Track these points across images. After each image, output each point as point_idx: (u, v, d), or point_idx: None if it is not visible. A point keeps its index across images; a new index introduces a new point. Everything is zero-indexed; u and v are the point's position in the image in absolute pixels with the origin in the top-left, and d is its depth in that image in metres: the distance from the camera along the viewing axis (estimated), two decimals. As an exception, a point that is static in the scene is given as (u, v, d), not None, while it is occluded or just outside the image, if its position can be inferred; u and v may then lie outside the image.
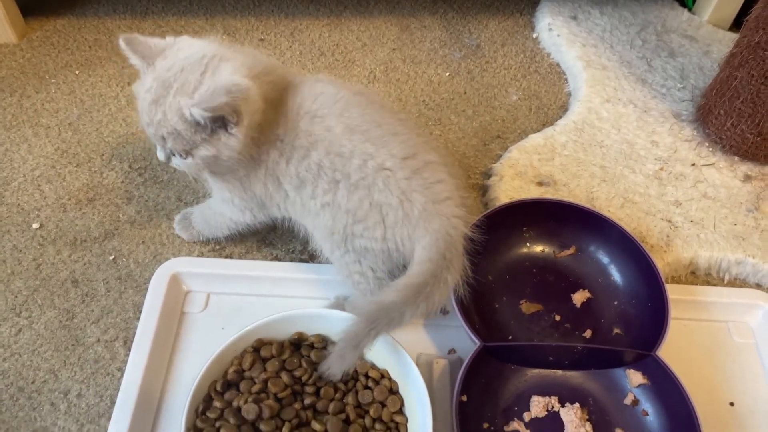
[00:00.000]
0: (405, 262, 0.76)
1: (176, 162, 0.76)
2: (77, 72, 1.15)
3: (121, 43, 0.73)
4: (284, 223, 0.85)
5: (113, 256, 0.91)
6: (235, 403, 0.67)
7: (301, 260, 0.92)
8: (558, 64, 1.25)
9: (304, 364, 0.72)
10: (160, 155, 0.77)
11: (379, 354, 0.74)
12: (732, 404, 0.82)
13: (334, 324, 0.75)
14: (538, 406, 0.77)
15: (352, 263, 0.78)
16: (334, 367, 0.66)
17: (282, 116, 0.74)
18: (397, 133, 0.75)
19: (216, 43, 0.75)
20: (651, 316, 0.81)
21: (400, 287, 0.69)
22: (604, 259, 0.88)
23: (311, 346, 0.74)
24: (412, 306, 0.68)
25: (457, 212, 0.75)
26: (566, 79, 1.22)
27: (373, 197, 0.73)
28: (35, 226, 0.94)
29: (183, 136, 0.71)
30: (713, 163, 1.04)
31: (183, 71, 0.70)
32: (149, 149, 1.04)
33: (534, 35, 1.30)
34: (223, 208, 0.85)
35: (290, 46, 1.23)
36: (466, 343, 0.80)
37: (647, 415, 0.77)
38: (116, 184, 1.00)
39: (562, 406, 0.77)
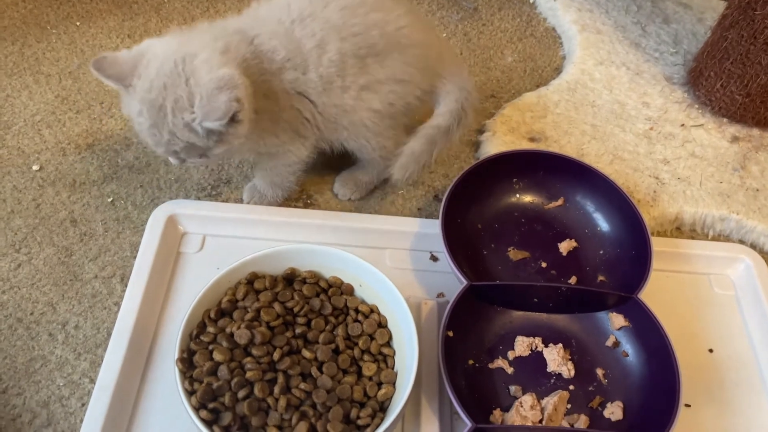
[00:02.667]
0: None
1: (192, 162, 0.78)
2: (78, 23, 1.17)
3: (92, 69, 0.72)
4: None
5: (111, 199, 0.93)
6: (228, 329, 0.69)
7: (295, 206, 0.94)
8: (554, 29, 1.26)
9: (296, 297, 0.74)
10: (174, 162, 0.79)
11: (370, 290, 0.77)
12: (711, 351, 0.85)
13: (327, 259, 0.77)
14: (522, 346, 0.79)
15: (392, 130, 0.86)
16: (397, 173, 0.85)
17: (278, 43, 0.77)
18: None
19: (176, 38, 0.75)
20: (635, 263, 0.84)
21: (446, 110, 0.86)
22: (591, 209, 0.90)
23: (303, 281, 0.76)
24: (463, 123, 0.88)
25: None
26: (561, 43, 1.24)
27: (406, 54, 0.81)
28: (35, 168, 0.96)
29: (197, 145, 0.73)
30: (702, 124, 1.06)
31: (166, 88, 0.70)
32: (148, 99, 1.06)
33: (531, 0, 1.31)
34: (280, 160, 0.86)
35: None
36: (455, 288, 0.82)
37: (627, 356, 0.79)
38: (115, 131, 1.01)
39: (546, 346, 0.80)
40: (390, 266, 0.88)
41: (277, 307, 0.72)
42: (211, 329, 0.69)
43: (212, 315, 0.71)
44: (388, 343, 0.74)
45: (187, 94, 0.70)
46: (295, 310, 0.73)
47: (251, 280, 0.75)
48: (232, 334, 0.69)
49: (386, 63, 0.80)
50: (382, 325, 0.75)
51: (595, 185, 0.89)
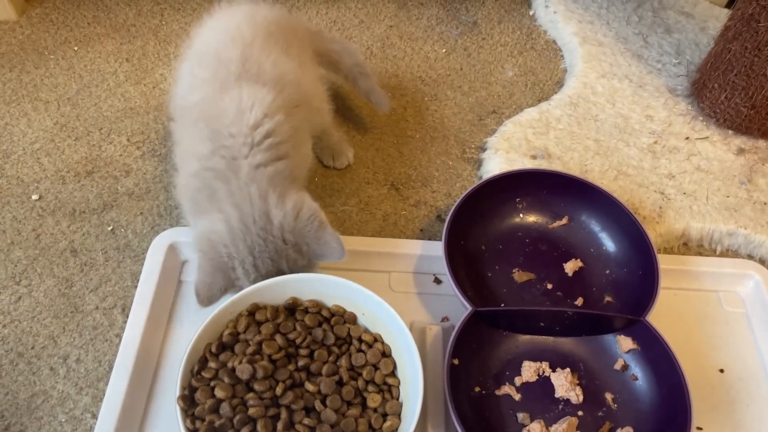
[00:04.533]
0: None
1: None
2: (76, 48, 1.16)
3: (206, 306, 0.72)
4: None
5: (111, 227, 0.93)
6: (229, 364, 0.68)
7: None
8: (554, 41, 1.25)
9: (298, 328, 0.73)
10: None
11: (373, 318, 0.75)
12: (722, 371, 0.83)
13: (329, 288, 0.76)
14: (529, 371, 0.78)
15: None
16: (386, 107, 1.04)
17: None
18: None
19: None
20: (642, 283, 0.82)
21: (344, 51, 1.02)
22: (596, 228, 0.89)
23: (305, 311, 0.75)
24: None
25: None
26: (562, 56, 1.22)
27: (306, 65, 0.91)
28: (34, 197, 0.95)
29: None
30: (707, 137, 1.05)
31: (273, 259, 0.72)
32: (147, 123, 1.05)
33: (531, 12, 1.30)
34: None
35: (287, 23, 1.24)
36: (459, 311, 0.81)
37: (636, 379, 0.78)
38: (114, 157, 1.01)
39: (553, 371, 0.78)
40: (393, 290, 0.87)
41: (279, 339, 0.71)
42: (212, 364, 0.68)
43: (213, 349, 0.70)
44: (393, 373, 0.73)
45: (293, 249, 0.73)
46: (298, 341, 0.72)
47: (252, 311, 0.74)
48: (233, 369, 0.68)
49: (304, 88, 0.83)
50: (386, 354, 0.74)
51: (600, 204, 0.88)
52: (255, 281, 0.73)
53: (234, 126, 0.74)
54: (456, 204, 0.85)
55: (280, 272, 0.73)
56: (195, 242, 0.74)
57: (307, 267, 0.75)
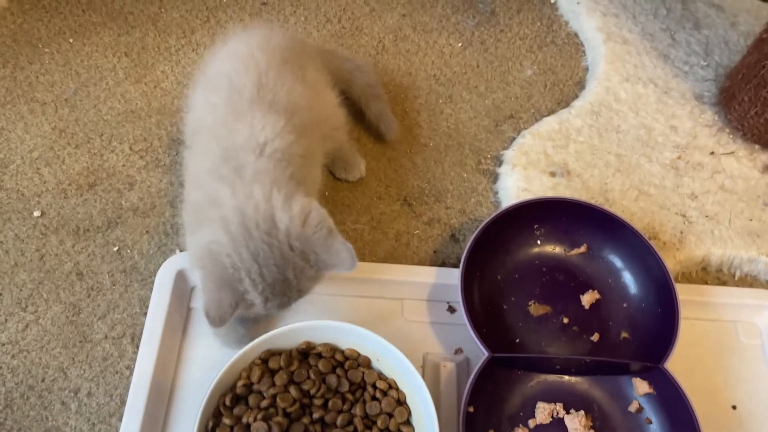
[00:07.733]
0: None
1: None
2: (71, 40, 1.10)
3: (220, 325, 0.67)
4: None
5: (117, 247, 0.90)
6: (244, 419, 0.68)
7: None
8: (576, 34, 1.19)
9: (312, 376, 0.72)
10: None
11: (386, 364, 0.74)
12: (734, 407, 0.83)
13: (343, 334, 0.75)
14: (543, 413, 0.78)
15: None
16: (390, 134, 1.01)
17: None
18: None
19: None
20: (660, 321, 0.81)
21: (358, 69, 1.01)
22: (615, 259, 0.87)
23: (319, 356, 0.74)
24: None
25: None
26: (584, 51, 1.16)
27: (322, 91, 0.88)
28: (36, 213, 0.92)
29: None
30: (733, 152, 1.01)
31: (279, 266, 0.67)
32: (149, 129, 1.01)
33: (552, 1, 1.23)
34: None
35: (294, 12, 1.17)
36: (473, 342, 0.80)
37: (651, 423, 0.77)
38: (117, 168, 0.97)
39: (567, 413, 0.78)
40: (406, 318, 0.86)
41: (293, 391, 0.70)
42: (227, 420, 0.68)
43: (227, 402, 0.69)
44: (408, 421, 0.73)
45: (300, 257, 0.67)
46: (312, 392, 0.71)
47: (265, 358, 0.73)
48: (248, 426, 0.67)
49: (316, 113, 0.81)
50: (400, 402, 0.73)
51: (620, 233, 0.85)
52: (263, 292, 0.67)
53: (245, 145, 0.71)
54: (474, 236, 0.82)
55: (287, 282, 0.68)
56: (195, 258, 0.69)
57: (316, 278, 0.70)
